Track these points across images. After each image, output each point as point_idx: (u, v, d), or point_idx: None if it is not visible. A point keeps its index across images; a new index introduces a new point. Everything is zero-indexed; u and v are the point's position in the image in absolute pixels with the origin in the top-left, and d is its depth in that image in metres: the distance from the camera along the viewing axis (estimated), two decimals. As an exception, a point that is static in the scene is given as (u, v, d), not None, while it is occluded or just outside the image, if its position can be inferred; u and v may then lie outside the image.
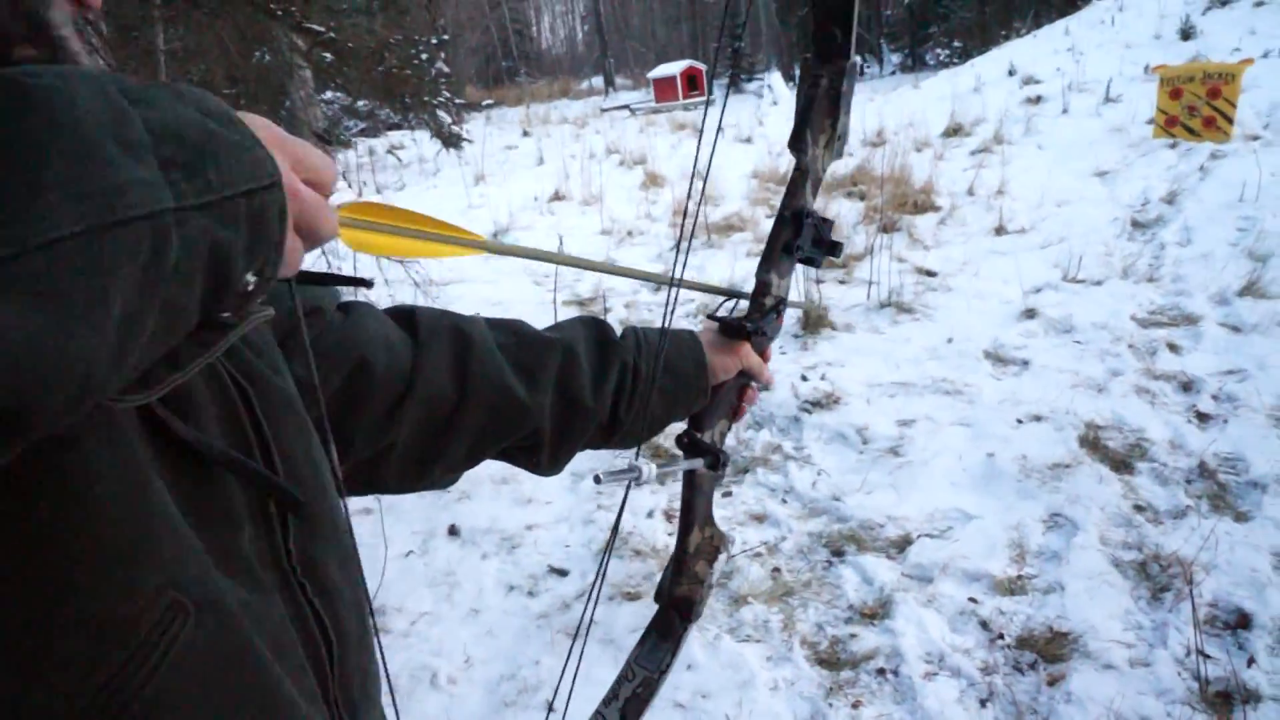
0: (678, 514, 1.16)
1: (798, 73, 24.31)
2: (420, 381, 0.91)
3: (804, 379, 4.02)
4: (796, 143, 1.10)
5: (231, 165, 0.39)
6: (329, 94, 10.58)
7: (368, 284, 0.84)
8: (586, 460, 3.39)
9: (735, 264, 5.76)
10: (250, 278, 0.41)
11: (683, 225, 1.07)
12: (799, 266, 1.15)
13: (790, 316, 4.72)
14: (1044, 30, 12.60)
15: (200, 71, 7.45)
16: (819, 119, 1.10)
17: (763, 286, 1.12)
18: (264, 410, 0.62)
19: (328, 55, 4.31)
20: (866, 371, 4.04)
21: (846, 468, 3.28)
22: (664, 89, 21.80)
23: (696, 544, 1.16)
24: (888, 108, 10.69)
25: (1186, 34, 9.32)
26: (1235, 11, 9.46)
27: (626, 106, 21.15)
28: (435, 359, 0.92)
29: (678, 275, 1.01)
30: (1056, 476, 3.00)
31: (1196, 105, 6.59)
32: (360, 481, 0.93)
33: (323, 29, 4.35)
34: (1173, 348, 3.89)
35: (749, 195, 7.72)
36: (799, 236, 1.10)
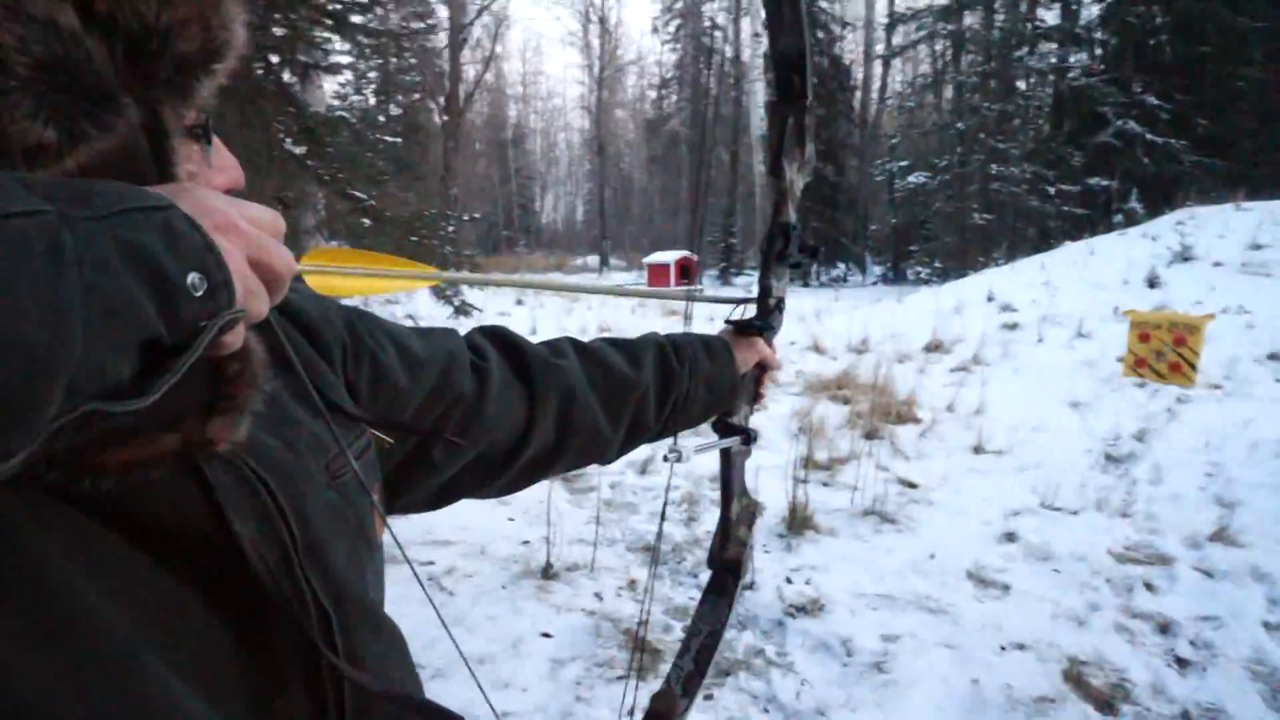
0: None
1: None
2: (531, 441, 1.07)
3: (789, 581, 4.03)
4: (775, 169, 1.32)
5: (112, 196, 0.43)
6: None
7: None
8: (566, 641, 3.33)
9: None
10: (195, 278, 0.45)
11: (698, 244, 1.27)
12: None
13: (775, 516, 4.78)
14: (1021, 262, 13.49)
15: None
16: (792, 148, 1.31)
17: (765, 290, 1.34)
18: (298, 512, 0.64)
19: (366, 220, 4.56)
20: (850, 580, 4.06)
21: (830, 680, 3.24)
22: (657, 274, 22.79)
23: (737, 512, 1.38)
24: (873, 318, 11.22)
25: (1153, 283, 10.02)
26: (1196, 269, 10.23)
27: (617, 286, 22.03)
28: (546, 419, 1.08)
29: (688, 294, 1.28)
30: (1042, 712, 2.99)
31: (1163, 350, 7.01)
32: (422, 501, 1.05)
33: (365, 196, 4.64)
34: (1149, 587, 3.96)
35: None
36: (789, 245, 1.32)
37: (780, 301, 1.39)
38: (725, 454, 1.39)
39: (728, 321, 1.38)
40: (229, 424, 0.55)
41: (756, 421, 1.44)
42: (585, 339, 1.28)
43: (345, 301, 0.92)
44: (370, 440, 0.81)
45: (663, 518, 1.35)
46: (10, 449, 0.38)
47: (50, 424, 0.39)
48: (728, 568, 1.41)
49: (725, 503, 1.41)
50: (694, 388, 1.23)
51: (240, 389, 0.56)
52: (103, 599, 0.48)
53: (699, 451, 1.26)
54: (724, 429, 1.37)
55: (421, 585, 0.97)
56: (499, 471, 1.07)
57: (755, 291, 1.39)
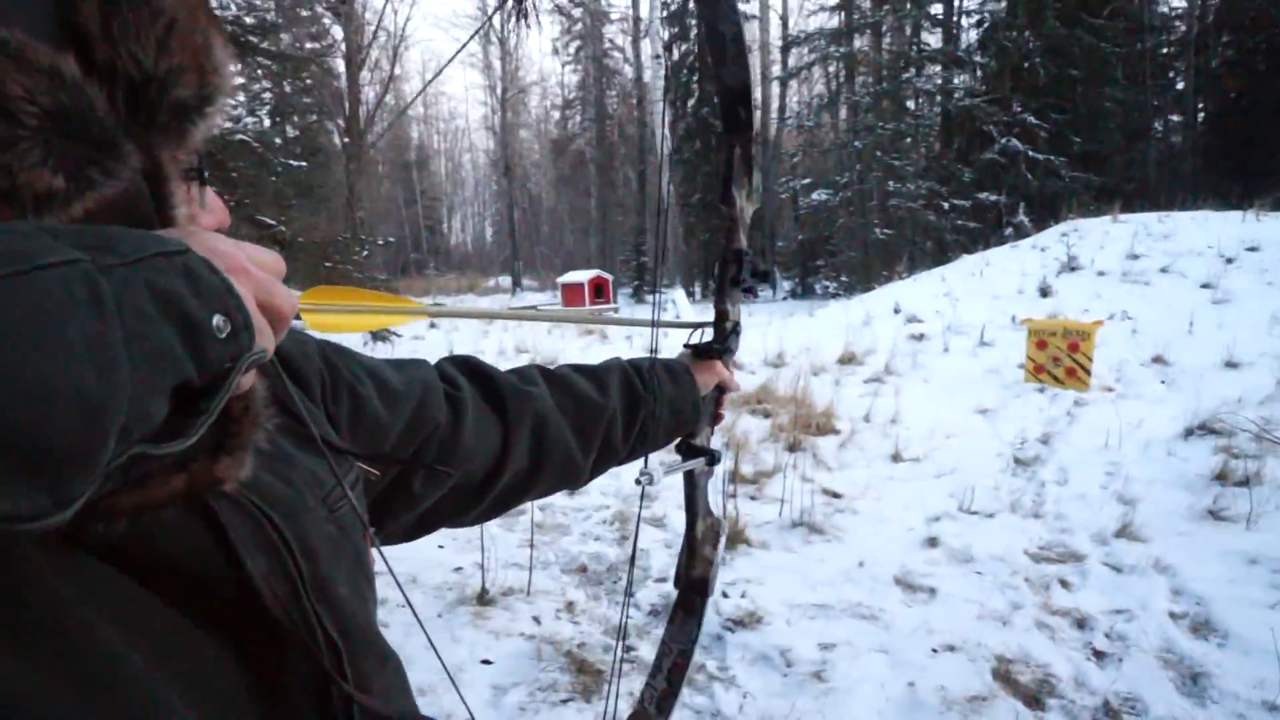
0: None
1: (699, 288, 25.84)
2: (506, 469, 1.09)
3: (725, 595, 4.06)
4: (725, 198, 1.35)
5: (134, 243, 0.44)
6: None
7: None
8: (507, 667, 3.27)
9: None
10: (219, 321, 0.46)
11: (655, 271, 1.31)
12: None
13: (708, 531, 4.81)
14: (923, 275, 14.03)
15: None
16: (740, 177, 1.35)
17: (722, 315, 1.38)
18: (304, 546, 0.65)
19: (276, 247, 4.42)
20: (785, 591, 4.12)
21: (772, 691, 3.28)
22: (572, 294, 22.75)
23: (702, 531, 1.41)
24: (786, 332, 11.47)
25: (1045, 292, 10.57)
26: (1083, 278, 10.84)
27: (534, 307, 21.88)
28: (520, 446, 1.10)
29: (652, 319, 1.31)
30: (976, 710, 3.09)
31: (1060, 356, 7.40)
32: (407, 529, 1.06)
33: (274, 222, 4.50)
34: (1064, 584, 4.16)
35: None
36: (741, 270, 1.36)
37: (736, 325, 1.42)
38: (689, 475, 1.42)
39: (686, 345, 1.42)
40: (236, 462, 0.56)
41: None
42: (503, 360, 1.29)
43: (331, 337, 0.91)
44: (360, 474, 0.83)
45: (636, 539, 1.36)
46: (73, 495, 0.39)
47: (105, 469, 0.40)
48: (694, 586, 1.44)
49: (690, 523, 1.44)
50: (658, 410, 1.27)
51: (245, 427, 0.57)
52: (121, 640, 0.49)
53: (668, 474, 1.29)
54: (688, 450, 1.40)
55: (413, 612, 0.95)
56: (475, 500, 1.09)
57: (679, 314, 1.42)
